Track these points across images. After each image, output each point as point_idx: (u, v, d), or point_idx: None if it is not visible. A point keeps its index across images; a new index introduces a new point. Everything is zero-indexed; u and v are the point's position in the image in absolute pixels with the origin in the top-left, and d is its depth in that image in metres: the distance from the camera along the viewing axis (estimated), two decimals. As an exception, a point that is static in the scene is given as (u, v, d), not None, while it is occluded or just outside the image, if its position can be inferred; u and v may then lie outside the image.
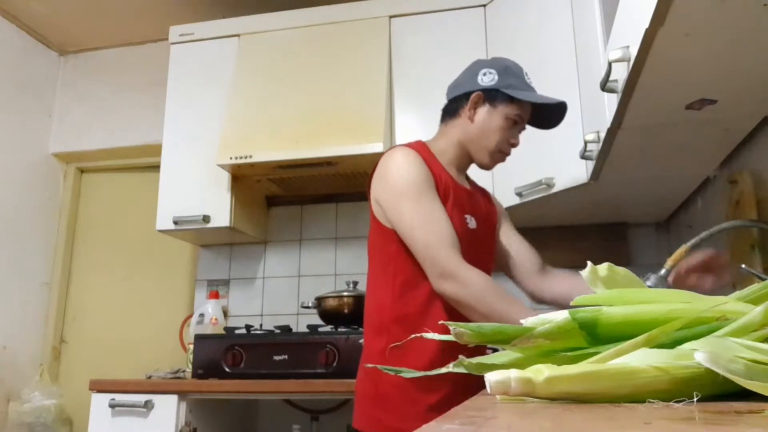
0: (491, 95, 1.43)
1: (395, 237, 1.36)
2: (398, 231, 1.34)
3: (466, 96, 1.44)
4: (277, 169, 2.28)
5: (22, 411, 2.58)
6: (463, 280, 1.26)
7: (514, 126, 1.44)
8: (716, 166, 1.64)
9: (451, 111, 1.48)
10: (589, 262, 0.63)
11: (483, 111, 1.43)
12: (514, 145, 1.48)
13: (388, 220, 1.38)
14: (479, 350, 1.24)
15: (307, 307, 2.30)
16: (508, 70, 1.46)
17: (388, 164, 1.38)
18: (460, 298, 1.26)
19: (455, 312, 1.31)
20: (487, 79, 1.45)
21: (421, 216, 1.30)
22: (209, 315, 2.44)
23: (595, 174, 1.70)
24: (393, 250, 1.37)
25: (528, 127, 1.52)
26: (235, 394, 2.00)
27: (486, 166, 1.49)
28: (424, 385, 1.30)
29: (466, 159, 1.48)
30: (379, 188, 1.39)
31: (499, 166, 2.11)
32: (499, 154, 1.46)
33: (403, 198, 1.33)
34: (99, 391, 2.04)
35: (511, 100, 1.42)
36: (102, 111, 3.02)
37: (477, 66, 1.49)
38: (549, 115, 1.49)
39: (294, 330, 2.24)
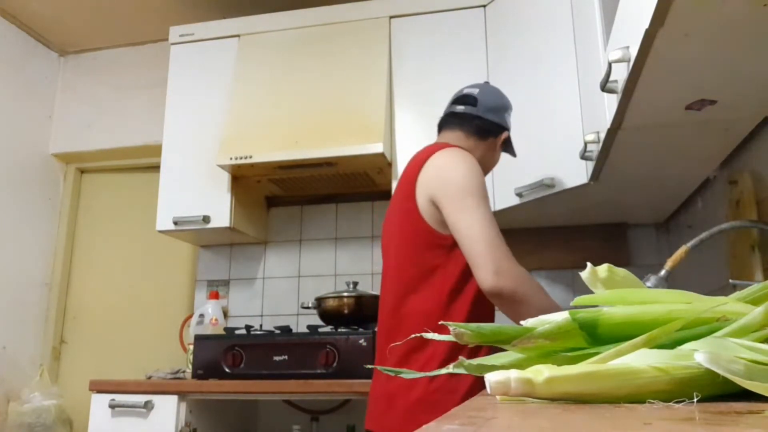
0: (508, 139, 1.59)
1: (448, 242, 1.36)
2: (456, 228, 1.33)
3: (500, 128, 1.55)
4: (277, 170, 2.28)
5: (22, 411, 2.58)
6: (518, 276, 1.28)
7: None
8: (716, 167, 1.64)
9: (483, 132, 1.53)
10: (588, 263, 0.63)
11: (498, 148, 1.58)
12: None
13: (439, 222, 1.36)
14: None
15: (307, 308, 2.30)
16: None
17: (452, 163, 1.39)
18: (516, 294, 1.27)
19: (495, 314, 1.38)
20: (509, 119, 1.60)
21: (484, 215, 1.32)
22: (209, 315, 2.44)
23: (595, 174, 1.70)
24: (442, 256, 1.36)
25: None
26: (235, 394, 2.00)
27: None
28: (467, 391, 1.31)
29: None
30: (436, 186, 1.37)
31: (499, 166, 2.11)
32: None
33: (469, 197, 1.33)
34: (99, 392, 2.05)
35: (507, 147, 1.61)
36: (102, 111, 3.02)
37: (505, 101, 1.60)
38: None
39: (294, 330, 2.24)
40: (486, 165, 1.54)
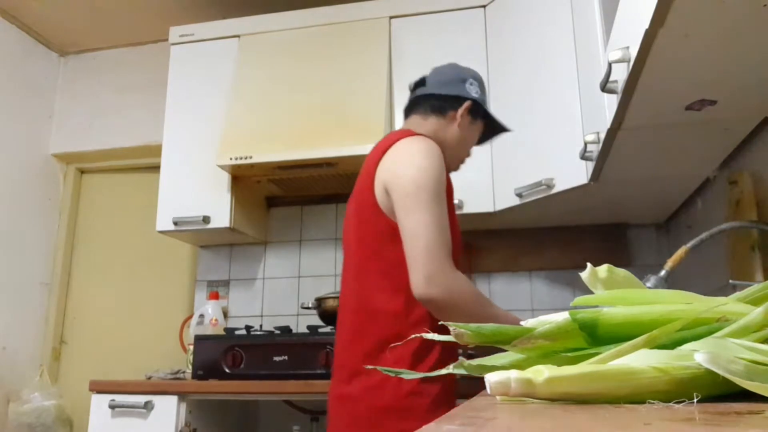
0: (475, 108, 1.47)
1: None
2: (401, 226, 1.27)
3: (457, 100, 1.45)
4: (277, 170, 2.28)
5: (22, 412, 2.58)
6: (452, 285, 1.23)
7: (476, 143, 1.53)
8: (716, 167, 1.64)
9: (438, 108, 1.45)
10: (588, 264, 0.63)
11: (466, 122, 1.46)
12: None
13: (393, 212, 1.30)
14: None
15: (307, 308, 2.30)
16: (483, 86, 1.52)
17: (409, 156, 1.31)
18: (447, 303, 1.22)
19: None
20: (473, 90, 1.48)
21: (430, 216, 1.25)
22: (209, 316, 2.44)
23: (595, 175, 1.70)
24: (402, 249, 1.27)
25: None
26: (235, 394, 2.00)
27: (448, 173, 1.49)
28: (443, 395, 1.28)
29: None
30: (390, 179, 1.30)
31: (499, 167, 2.12)
32: (461, 165, 1.53)
33: (418, 194, 1.26)
34: (99, 392, 2.04)
35: (486, 118, 1.50)
36: (102, 111, 3.02)
37: (462, 72, 1.50)
38: (486, 136, 1.59)
39: (294, 331, 2.24)
40: (458, 141, 1.46)
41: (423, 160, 1.29)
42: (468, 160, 1.58)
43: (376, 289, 1.33)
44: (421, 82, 1.51)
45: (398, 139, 1.35)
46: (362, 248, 1.36)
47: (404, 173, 1.29)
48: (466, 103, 1.45)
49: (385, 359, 1.27)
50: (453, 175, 2.13)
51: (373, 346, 1.30)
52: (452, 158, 1.47)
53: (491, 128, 1.56)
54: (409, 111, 1.50)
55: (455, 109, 1.45)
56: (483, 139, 1.59)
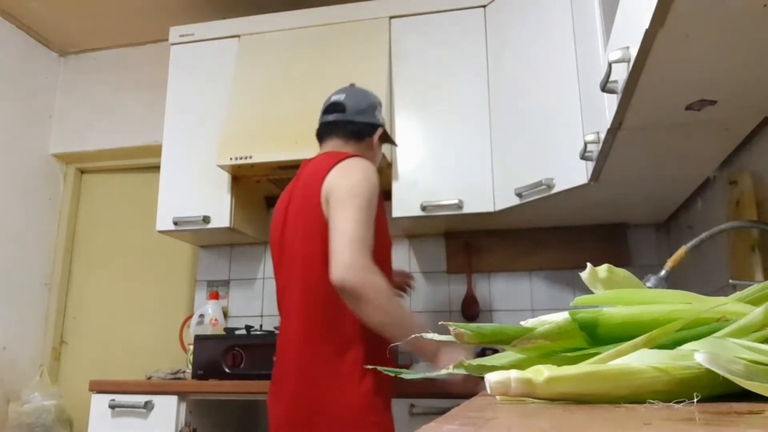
0: (384, 134, 1.67)
1: None
2: (330, 224, 1.41)
3: (373, 126, 1.64)
4: (277, 170, 2.28)
5: (22, 412, 2.58)
6: (367, 277, 1.33)
7: None
8: (716, 167, 1.64)
9: (358, 134, 1.62)
10: (588, 264, 0.63)
11: (378, 146, 1.67)
12: None
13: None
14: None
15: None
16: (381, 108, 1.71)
17: (356, 168, 1.47)
18: (358, 291, 1.32)
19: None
20: (380, 116, 1.68)
21: (359, 216, 1.39)
22: (209, 316, 2.44)
23: (595, 175, 1.70)
24: None
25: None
26: (235, 394, 2.00)
27: None
28: (378, 403, 1.39)
29: None
30: (336, 185, 1.45)
31: (499, 167, 2.12)
32: None
33: (357, 198, 1.41)
34: (99, 392, 2.05)
35: (386, 141, 1.69)
36: (102, 111, 3.02)
37: (371, 98, 1.68)
38: None
39: (294, 330, 2.24)
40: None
41: (359, 175, 1.46)
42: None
43: (324, 293, 1.43)
44: (336, 107, 1.65)
45: (341, 160, 1.50)
46: (311, 258, 1.48)
47: (342, 184, 1.45)
48: (379, 130, 1.64)
49: (344, 361, 1.39)
50: (452, 175, 2.15)
51: (327, 350, 1.42)
52: None
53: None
54: (328, 133, 1.64)
55: (371, 135, 1.64)
56: None
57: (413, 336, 1.06)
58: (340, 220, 1.39)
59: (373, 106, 1.66)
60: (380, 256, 1.48)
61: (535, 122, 1.98)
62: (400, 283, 1.96)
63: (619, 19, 1.18)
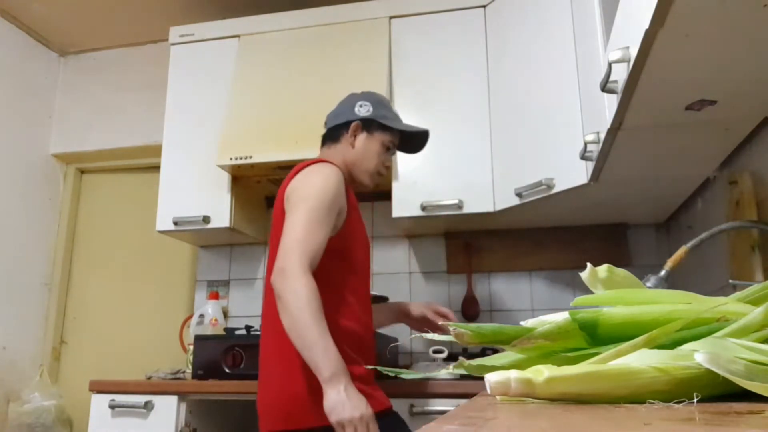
0: (368, 124, 1.66)
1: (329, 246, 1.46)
2: (286, 222, 1.44)
3: (346, 125, 1.66)
4: (277, 170, 2.28)
5: (22, 412, 2.58)
6: (292, 285, 1.34)
7: (387, 151, 1.69)
8: (716, 167, 1.64)
9: (332, 137, 1.67)
10: (588, 264, 0.63)
11: (362, 138, 1.66)
12: (388, 167, 1.72)
13: None
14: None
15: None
16: (381, 102, 1.71)
17: (315, 172, 1.51)
18: (280, 297, 1.35)
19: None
20: (363, 110, 1.68)
21: (309, 219, 1.41)
22: (209, 316, 2.44)
23: (595, 175, 1.70)
24: (325, 260, 1.44)
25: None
26: (235, 394, 2.00)
27: (367, 186, 1.69)
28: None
29: (350, 179, 1.65)
30: (293, 189, 1.50)
31: (499, 167, 2.12)
32: (378, 175, 1.68)
33: (308, 201, 1.44)
34: (99, 392, 2.05)
35: (385, 128, 1.67)
36: (102, 111, 3.02)
37: (353, 99, 1.71)
38: (415, 142, 1.77)
39: (294, 330, 2.24)
40: (359, 157, 1.64)
41: (316, 178, 1.50)
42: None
43: None
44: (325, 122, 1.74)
45: (307, 165, 1.55)
46: (274, 249, 1.50)
47: (297, 187, 1.50)
48: (353, 125, 1.65)
49: (292, 358, 1.42)
50: (452, 175, 2.15)
51: (293, 348, 1.42)
52: (361, 173, 1.65)
53: (409, 134, 1.73)
54: (322, 144, 1.71)
55: (346, 131, 1.66)
56: (409, 147, 1.78)
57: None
58: (287, 223, 1.43)
59: (351, 104, 1.69)
60: (354, 257, 1.55)
61: (535, 122, 1.98)
62: (427, 319, 1.79)
63: (619, 19, 1.18)
